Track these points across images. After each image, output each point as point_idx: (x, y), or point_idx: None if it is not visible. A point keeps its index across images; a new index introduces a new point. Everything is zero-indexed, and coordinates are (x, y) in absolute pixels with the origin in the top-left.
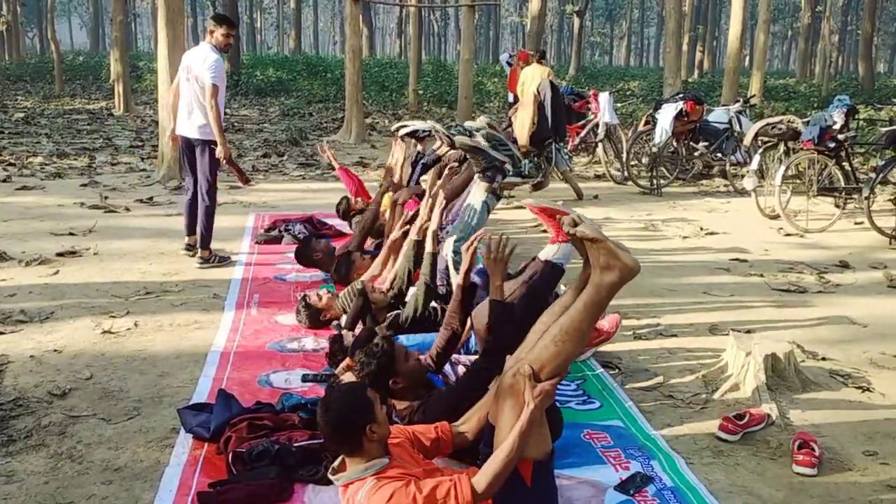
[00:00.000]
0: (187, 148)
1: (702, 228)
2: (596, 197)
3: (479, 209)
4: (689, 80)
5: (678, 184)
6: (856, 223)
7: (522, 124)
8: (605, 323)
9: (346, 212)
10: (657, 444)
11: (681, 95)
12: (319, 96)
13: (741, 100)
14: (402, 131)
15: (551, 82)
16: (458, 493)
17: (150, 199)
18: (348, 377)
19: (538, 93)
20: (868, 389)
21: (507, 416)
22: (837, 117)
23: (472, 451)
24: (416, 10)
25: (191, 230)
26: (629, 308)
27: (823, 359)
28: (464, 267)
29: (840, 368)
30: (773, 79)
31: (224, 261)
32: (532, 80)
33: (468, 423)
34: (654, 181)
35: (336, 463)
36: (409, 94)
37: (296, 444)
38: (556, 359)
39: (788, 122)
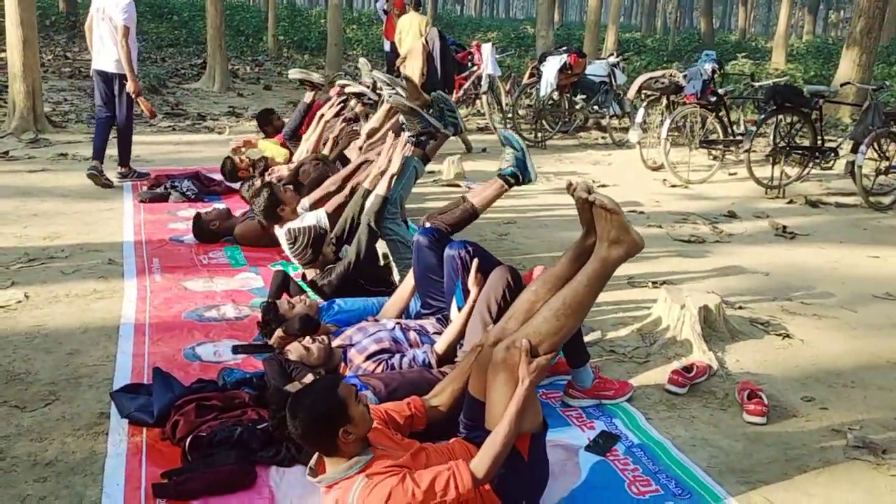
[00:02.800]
0: (103, 81)
1: (594, 181)
2: (485, 150)
3: (407, 174)
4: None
5: (558, 136)
6: (730, 174)
7: (413, 75)
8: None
9: (231, 173)
10: (616, 402)
11: (564, 49)
12: (169, 40)
13: (614, 53)
14: (349, 89)
15: (440, 32)
16: (458, 481)
17: (6, 153)
18: (295, 349)
19: (427, 43)
20: (788, 336)
21: (500, 391)
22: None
23: (447, 424)
24: None
25: (99, 154)
26: (545, 262)
27: (740, 307)
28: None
29: (758, 317)
30: (621, 33)
31: (143, 176)
32: (410, 28)
33: (441, 396)
34: (539, 134)
35: (313, 462)
36: (268, 40)
37: (259, 427)
38: (556, 334)
39: (670, 76)
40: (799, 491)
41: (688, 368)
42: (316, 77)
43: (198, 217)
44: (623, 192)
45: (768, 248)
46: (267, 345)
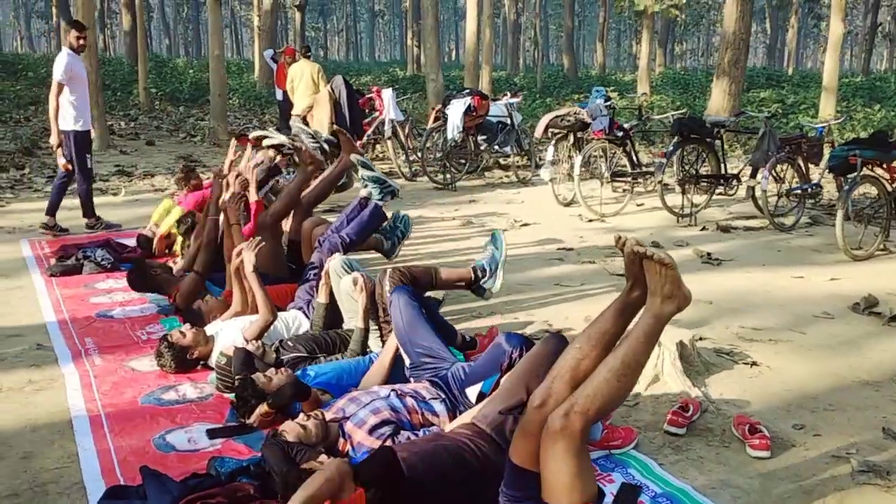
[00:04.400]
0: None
1: (516, 221)
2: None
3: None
4: (416, 74)
5: (465, 177)
6: (638, 205)
7: (321, 124)
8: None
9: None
10: (625, 451)
11: (467, 91)
12: (28, 98)
13: (509, 93)
14: (266, 142)
15: (345, 79)
16: None
17: None
18: (291, 428)
19: (332, 90)
20: (755, 364)
21: (560, 461)
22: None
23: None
24: (127, 2)
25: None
26: (498, 307)
27: (701, 338)
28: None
29: (720, 347)
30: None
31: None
32: (302, 76)
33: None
34: (448, 175)
35: None
36: (139, 94)
37: None
38: (616, 395)
39: (575, 113)
40: None
41: (684, 407)
42: (283, 138)
43: (139, 262)
44: (546, 229)
45: (700, 275)
46: (245, 425)
